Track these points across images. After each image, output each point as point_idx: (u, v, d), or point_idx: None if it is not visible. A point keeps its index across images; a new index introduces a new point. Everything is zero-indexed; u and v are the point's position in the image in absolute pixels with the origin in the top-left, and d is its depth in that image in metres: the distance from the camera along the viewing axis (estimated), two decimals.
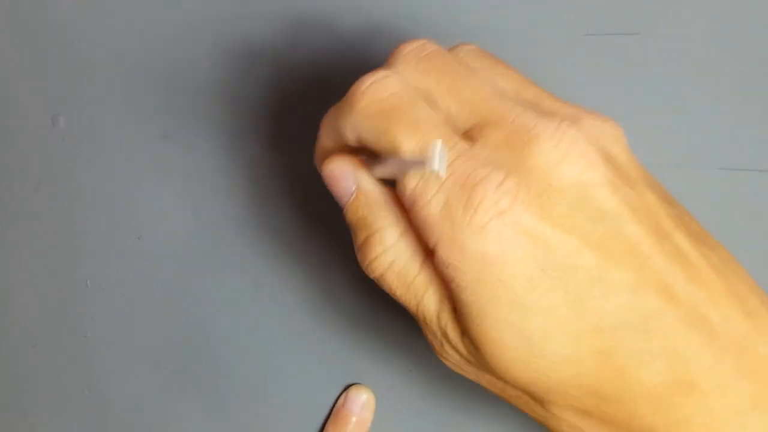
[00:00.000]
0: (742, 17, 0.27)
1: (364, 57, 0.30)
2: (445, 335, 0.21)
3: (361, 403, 0.31)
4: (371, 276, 0.22)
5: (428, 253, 0.21)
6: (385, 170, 0.21)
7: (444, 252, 0.19)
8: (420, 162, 0.18)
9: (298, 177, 0.31)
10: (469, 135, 0.20)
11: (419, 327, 0.31)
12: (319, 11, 0.31)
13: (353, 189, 0.21)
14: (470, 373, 0.22)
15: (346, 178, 0.22)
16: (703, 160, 0.26)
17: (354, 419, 0.30)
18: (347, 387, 0.31)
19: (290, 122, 0.31)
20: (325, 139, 0.23)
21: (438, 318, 0.21)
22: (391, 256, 0.21)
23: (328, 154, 0.23)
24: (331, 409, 0.32)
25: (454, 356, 0.21)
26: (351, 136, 0.21)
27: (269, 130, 0.31)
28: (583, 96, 0.30)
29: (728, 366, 0.19)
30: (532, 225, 0.18)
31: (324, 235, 0.31)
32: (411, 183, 0.19)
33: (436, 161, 0.18)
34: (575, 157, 0.19)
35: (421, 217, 0.19)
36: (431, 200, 0.19)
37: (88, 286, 0.33)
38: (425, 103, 0.20)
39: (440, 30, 0.29)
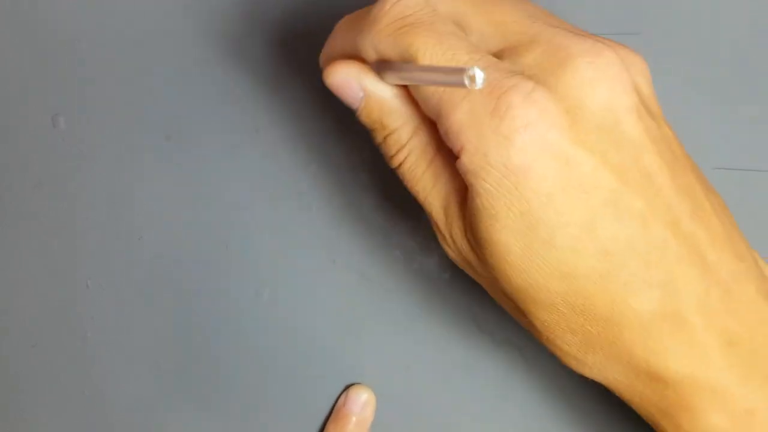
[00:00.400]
0: (743, 17, 0.27)
1: None
2: (449, 230, 0.21)
3: (362, 402, 0.31)
4: (392, 167, 0.22)
5: (437, 150, 0.21)
6: (405, 76, 0.20)
7: (467, 159, 0.19)
8: (452, 73, 0.17)
9: (301, 178, 0.31)
10: (499, 55, 0.20)
11: (417, 325, 0.31)
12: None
13: (361, 95, 0.21)
14: (467, 267, 0.22)
15: (352, 85, 0.21)
16: (702, 160, 0.26)
17: (354, 419, 0.31)
18: (347, 387, 0.31)
19: (293, 122, 0.31)
20: (336, 48, 0.22)
21: (444, 214, 0.21)
22: (404, 153, 0.21)
23: (335, 59, 0.22)
24: (332, 409, 0.32)
25: (453, 250, 0.22)
26: (370, 53, 0.21)
27: (272, 130, 0.31)
28: None
29: (717, 304, 0.20)
30: (557, 141, 0.18)
31: (325, 235, 0.31)
32: (437, 92, 0.19)
33: (474, 74, 0.17)
34: (609, 79, 0.19)
35: (448, 124, 0.19)
36: (457, 108, 0.19)
37: (88, 286, 0.33)
38: (452, 22, 0.20)
39: None
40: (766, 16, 0.27)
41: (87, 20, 0.33)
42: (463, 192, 0.21)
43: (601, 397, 0.30)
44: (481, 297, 0.30)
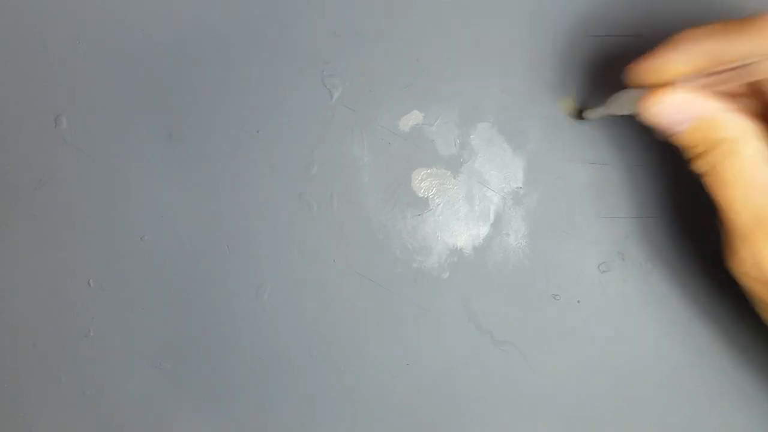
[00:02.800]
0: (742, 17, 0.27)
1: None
2: (756, 241, 0.22)
3: None
4: (698, 172, 0.22)
5: (761, 160, 0.21)
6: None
7: None
8: None
9: (301, 178, 0.31)
10: None
11: (417, 325, 0.31)
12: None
13: (690, 118, 0.22)
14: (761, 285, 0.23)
15: (681, 111, 0.22)
16: None
17: None
18: None
19: (293, 122, 0.31)
20: (677, 60, 0.22)
21: (755, 223, 0.22)
22: (719, 156, 0.22)
23: (661, 75, 0.22)
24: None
25: (752, 264, 0.22)
26: (742, 54, 0.21)
27: (272, 130, 0.32)
28: (586, 92, 0.31)
29: None
30: None
31: (325, 235, 0.31)
32: None
33: None
34: None
35: None
36: None
37: (90, 285, 0.33)
38: None
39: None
40: None
41: (89, 20, 0.33)
42: None
43: (600, 397, 0.30)
44: (481, 297, 0.31)
